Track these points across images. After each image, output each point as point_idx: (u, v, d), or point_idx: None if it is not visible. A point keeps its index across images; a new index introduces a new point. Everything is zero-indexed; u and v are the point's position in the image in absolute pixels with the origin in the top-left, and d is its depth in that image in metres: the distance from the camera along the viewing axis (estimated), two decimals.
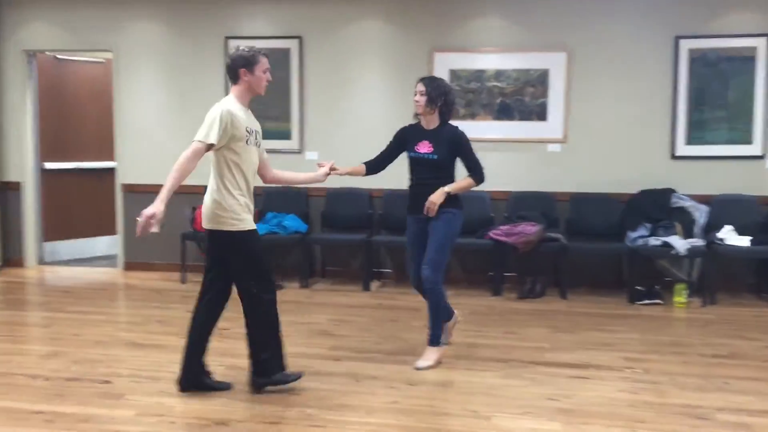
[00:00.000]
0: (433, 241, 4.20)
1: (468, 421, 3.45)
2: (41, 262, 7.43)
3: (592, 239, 6.26)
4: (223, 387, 3.84)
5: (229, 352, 4.40)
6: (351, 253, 6.86)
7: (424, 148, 4.24)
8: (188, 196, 6.85)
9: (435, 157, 4.21)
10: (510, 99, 6.53)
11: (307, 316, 5.43)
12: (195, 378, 3.78)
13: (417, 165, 4.30)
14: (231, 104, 3.64)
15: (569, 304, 5.88)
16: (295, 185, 4.31)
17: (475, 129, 6.56)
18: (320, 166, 4.25)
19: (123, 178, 7.10)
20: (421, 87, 4.24)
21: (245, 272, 3.69)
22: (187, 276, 6.63)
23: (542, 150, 6.54)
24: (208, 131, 3.54)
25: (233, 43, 6.80)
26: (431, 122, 4.28)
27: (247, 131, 3.65)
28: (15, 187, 7.19)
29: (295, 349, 4.57)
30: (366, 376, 4.06)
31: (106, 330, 5.04)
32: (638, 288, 5.94)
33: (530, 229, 6.02)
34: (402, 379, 4.02)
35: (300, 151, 6.83)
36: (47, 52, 7.31)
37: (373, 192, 6.71)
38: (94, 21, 6.99)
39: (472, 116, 6.59)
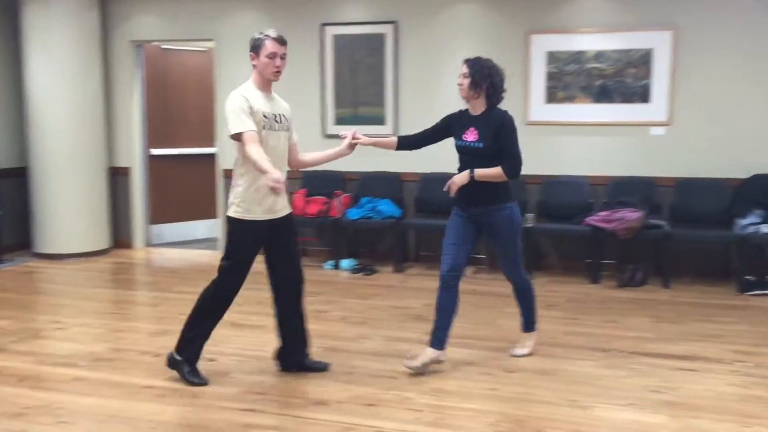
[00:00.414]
0: (505, 242, 3.99)
1: (568, 411, 3.38)
2: (148, 244, 7.78)
3: (697, 226, 5.99)
4: (320, 367, 3.92)
5: (328, 334, 4.49)
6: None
7: (471, 135, 3.91)
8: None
9: (480, 145, 3.87)
10: (610, 81, 6.32)
11: (401, 301, 5.46)
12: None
13: (464, 154, 3.98)
14: (246, 90, 3.63)
15: (673, 294, 5.66)
16: (322, 164, 4.08)
17: (573, 112, 6.43)
18: (343, 137, 3.96)
19: (223, 163, 7.32)
20: (464, 69, 3.94)
21: (226, 254, 3.71)
22: None
23: (644, 133, 6.30)
24: (242, 121, 3.52)
25: (329, 30, 6.89)
26: (478, 107, 3.96)
27: (264, 116, 3.60)
28: (124, 173, 7.55)
29: (391, 332, 4.63)
30: (462, 362, 4.05)
31: None
32: (748, 278, 5.65)
33: (631, 216, 5.82)
34: (499, 366, 3.99)
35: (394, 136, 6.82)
36: (153, 43, 7.61)
37: None
38: (196, 11, 7.22)
39: (570, 99, 6.42)
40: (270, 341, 4.39)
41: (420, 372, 3.83)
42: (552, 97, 6.45)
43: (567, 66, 6.39)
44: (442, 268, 3.96)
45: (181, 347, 3.78)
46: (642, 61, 6.23)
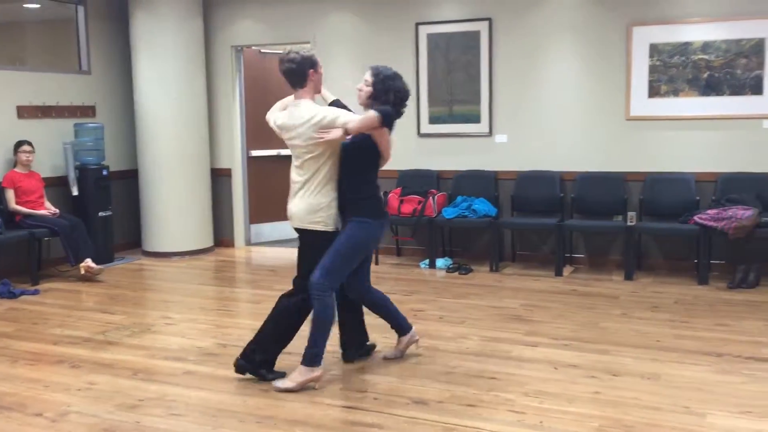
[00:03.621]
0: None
1: (680, 417, 3.25)
2: (248, 242, 8.02)
3: None
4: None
5: (426, 333, 4.49)
6: (542, 238, 6.71)
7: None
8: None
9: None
10: (719, 72, 6.02)
11: (498, 300, 5.40)
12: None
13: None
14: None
15: None
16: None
17: (678, 106, 6.17)
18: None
19: None
20: (367, 77, 3.76)
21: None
22: (380, 258, 6.85)
23: (757, 126, 5.97)
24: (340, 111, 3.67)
25: (423, 29, 6.89)
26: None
27: None
28: (226, 173, 7.81)
29: (489, 333, 4.58)
30: (565, 364, 3.96)
31: None
32: None
33: (743, 213, 5.53)
34: (603, 369, 3.87)
35: (489, 134, 6.78)
36: (252, 47, 7.83)
37: (565, 175, 6.51)
38: (293, 15, 7.37)
39: (675, 93, 6.16)
40: (372, 339, 4.44)
41: None
42: (655, 90, 6.21)
43: (671, 58, 6.14)
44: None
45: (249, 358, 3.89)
46: (753, 51, 5.90)
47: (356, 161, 3.74)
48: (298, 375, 3.68)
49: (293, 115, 3.72)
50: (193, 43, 7.35)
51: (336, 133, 3.57)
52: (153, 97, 7.26)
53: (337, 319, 3.88)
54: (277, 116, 3.89)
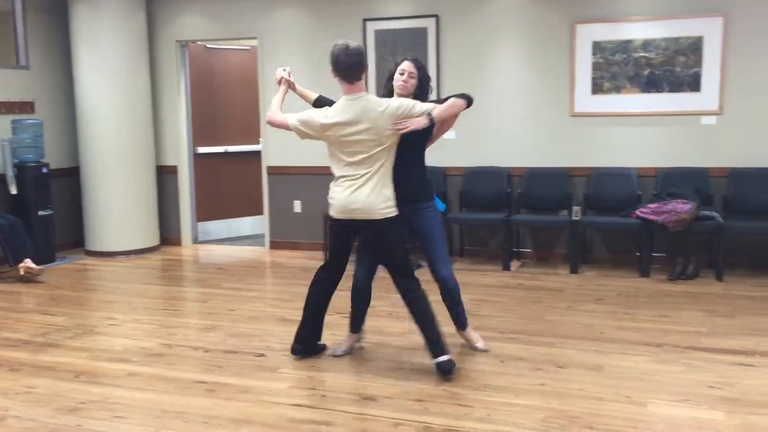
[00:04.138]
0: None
1: (622, 407, 3.32)
2: (195, 241, 7.90)
3: (752, 217, 5.83)
4: None
5: (375, 330, 4.48)
6: (490, 233, 6.79)
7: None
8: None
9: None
10: (659, 70, 6.18)
11: None
12: None
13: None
14: None
15: (726, 287, 5.51)
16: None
17: (620, 103, 6.30)
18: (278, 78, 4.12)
19: (268, 160, 7.38)
20: (411, 68, 3.88)
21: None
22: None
23: (695, 123, 6.14)
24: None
25: (371, 26, 6.89)
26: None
27: None
28: (172, 171, 7.67)
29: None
30: (511, 357, 4.02)
31: (257, 306, 5.29)
32: None
33: (682, 207, 5.69)
34: (549, 361, 3.94)
35: None
36: (198, 42, 7.71)
37: (512, 170, 6.59)
38: (239, 10, 7.28)
39: (617, 90, 6.29)
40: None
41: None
42: (598, 87, 6.34)
43: (613, 56, 6.27)
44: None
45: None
46: (692, 49, 6.07)
47: (419, 146, 3.91)
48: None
49: (358, 109, 3.66)
50: (136, 37, 7.19)
51: (422, 122, 3.67)
52: (94, 92, 7.07)
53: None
54: (320, 115, 3.76)
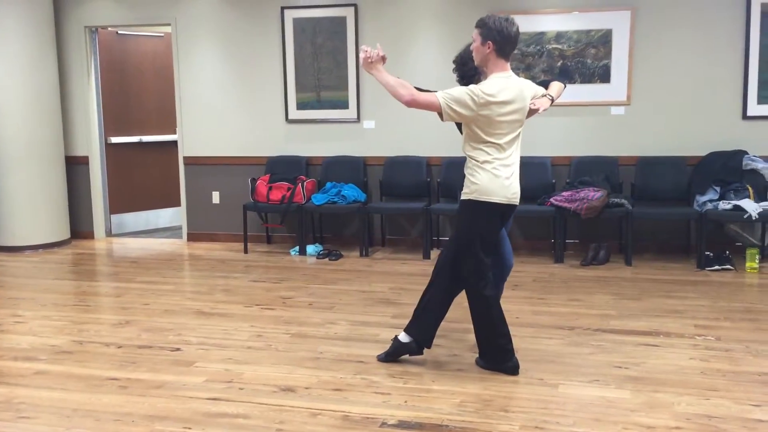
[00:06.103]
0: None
1: (535, 389, 3.42)
2: (109, 234, 7.65)
3: (658, 204, 6.09)
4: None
5: (294, 320, 4.45)
6: (410, 222, 6.85)
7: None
8: (249, 167, 6.94)
9: None
10: (571, 61, 6.35)
11: (367, 285, 5.45)
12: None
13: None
14: None
15: (635, 271, 5.75)
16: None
17: None
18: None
19: (185, 150, 7.21)
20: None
21: None
22: (249, 246, 6.74)
23: (605, 113, 6.36)
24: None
25: (289, 14, 6.80)
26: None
27: None
28: (83, 161, 7.39)
29: (357, 317, 4.62)
30: None
31: (173, 299, 5.17)
32: (708, 254, 5.77)
33: (594, 195, 5.89)
34: (465, 348, 4.01)
35: (357, 120, 6.81)
36: (108, 28, 7.43)
37: (431, 160, 6.66)
38: None
39: (532, 80, 6.40)
40: (236, 329, 4.37)
41: None
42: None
43: (528, 47, 6.41)
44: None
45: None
46: (602, 41, 6.27)
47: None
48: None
49: (515, 87, 3.48)
50: (41, 23, 6.87)
51: (547, 103, 3.60)
52: None
53: None
54: (493, 90, 3.41)
